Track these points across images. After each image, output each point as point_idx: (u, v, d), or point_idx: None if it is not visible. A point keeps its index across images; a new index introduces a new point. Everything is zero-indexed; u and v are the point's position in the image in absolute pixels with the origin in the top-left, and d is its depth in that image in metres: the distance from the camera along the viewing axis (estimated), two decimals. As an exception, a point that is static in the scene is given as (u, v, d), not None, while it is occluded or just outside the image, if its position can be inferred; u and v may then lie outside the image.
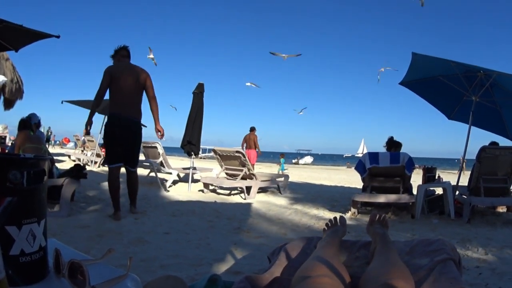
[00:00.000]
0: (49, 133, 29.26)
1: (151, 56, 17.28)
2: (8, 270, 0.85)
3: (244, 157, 9.38)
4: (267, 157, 35.45)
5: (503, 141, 8.73)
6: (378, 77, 23.59)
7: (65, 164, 13.58)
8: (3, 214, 0.90)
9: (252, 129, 15.73)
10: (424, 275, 1.74)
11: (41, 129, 7.52)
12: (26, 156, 1.03)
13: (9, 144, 12.60)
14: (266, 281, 1.81)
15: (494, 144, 7.97)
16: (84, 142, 19.48)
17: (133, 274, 1.15)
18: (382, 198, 7.06)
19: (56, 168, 7.21)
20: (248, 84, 26.57)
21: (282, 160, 24.21)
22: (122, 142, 5.85)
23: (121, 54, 6.10)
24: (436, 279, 1.67)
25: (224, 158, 9.92)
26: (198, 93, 10.07)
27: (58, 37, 6.17)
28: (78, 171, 6.09)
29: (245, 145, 15.65)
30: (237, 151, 9.52)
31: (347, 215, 6.97)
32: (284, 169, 23.48)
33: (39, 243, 1.00)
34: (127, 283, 1.09)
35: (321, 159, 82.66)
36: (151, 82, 6.05)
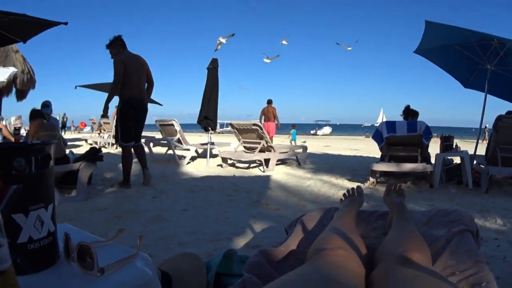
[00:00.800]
0: (65, 120, 29.36)
1: (223, 40, 16.82)
2: (17, 258, 0.85)
3: (262, 129, 9.36)
4: (285, 128, 35.25)
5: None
6: (346, 48, 25.33)
7: (82, 149, 13.70)
8: (9, 203, 0.90)
9: (270, 102, 15.69)
10: (441, 246, 1.72)
11: (56, 116, 7.52)
12: (32, 142, 1.03)
13: (24, 135, 12.73)
14: (281, 254, 1.81)
15: (510, 113, 7.85)
16: (100, 125, 19.55)
17: (144, 253, 1.14)
18: (400, 167, 7.02)
19: (72, 153, 7.29)
20: (268, 60, 26.78)
21: (293, 131, 24.28)
22: (136, 123, 6.62)
23: (119, 44, 6.58)
24: (453, 251, 1.65)
25: (241, 131, 9.92)
26: (213, 69, 10.04)
27: (66, 24, 6.08)
28: (94, 154, 6.15)
29: (263, 118, 15.62)
30: (254, 124, 9.51)
31: (366, 185, 6.98)
32: (295, 140, 23.61)
33: (47, 228, 1.00)
34: (137, 263, 1.09)
35: (340, 129, 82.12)
36: (150, 71, 6.90)
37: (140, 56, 6.73)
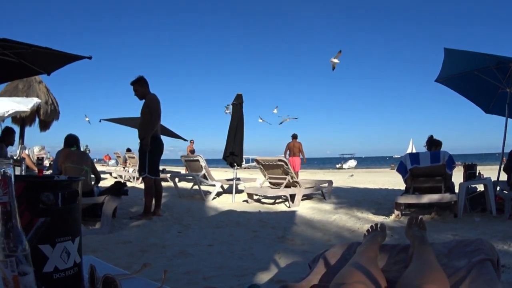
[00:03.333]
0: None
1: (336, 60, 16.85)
2: (41, 286, 0.89)
3: (287, 165, 9.36)
4: (311, 163, 35.21)
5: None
6: (282, 121, 26.03)
7: (107, 182, 13.82)
8: (35, 234, 0.94)
9: (295, 137, 15.65)
10: (462, 276, 1.72)
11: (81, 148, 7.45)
12: (59, 178, 1.08)
13: (47, 165, 12.79)
14: (303, 289, 1.81)
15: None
16: (125, 159, 19.66)
17: (168, 287, 1.17)
18: (424, 199, 6.96)
19: (97, 186, 7.34)
20: (286, 119, 26.96)
21: None
22: (159, 158, 7.04)
23: (145, 82, 6.84)
24: (472, 280, 1.65)
25: (267, 167, 9.93)
26: (238, 104, 10.15)
27: (90, 58, 6.24)
28: (119, 189, 6.22)
29: (288, 152, 15.58)
30: (279, 160, 9.51)
31: (391, 218, 6.92)
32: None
33: (73, 259, 1.05)
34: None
35: (365, 162, 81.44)
36: None
37: None
